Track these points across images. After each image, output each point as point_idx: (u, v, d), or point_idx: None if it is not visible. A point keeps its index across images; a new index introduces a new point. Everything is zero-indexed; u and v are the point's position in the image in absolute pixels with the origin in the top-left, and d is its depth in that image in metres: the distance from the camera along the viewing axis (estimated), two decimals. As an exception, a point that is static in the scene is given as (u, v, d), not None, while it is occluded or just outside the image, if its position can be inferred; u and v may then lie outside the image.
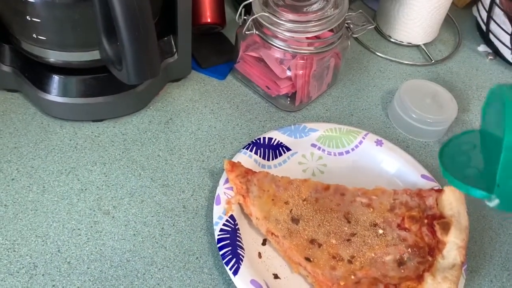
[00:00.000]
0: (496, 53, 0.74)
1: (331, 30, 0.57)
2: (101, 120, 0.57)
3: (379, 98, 0.65)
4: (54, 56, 0.52)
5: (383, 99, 0.65)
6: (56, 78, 0.54)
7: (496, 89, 0.40)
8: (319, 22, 0.55)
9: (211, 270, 0.46)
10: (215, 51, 0.66)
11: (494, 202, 0.38)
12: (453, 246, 0.47)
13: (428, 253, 0.47)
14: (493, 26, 0.73)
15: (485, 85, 0.70)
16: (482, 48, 0.76)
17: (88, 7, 0.46)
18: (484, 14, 0.74)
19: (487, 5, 0.73)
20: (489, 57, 0.74)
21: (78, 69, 0.54)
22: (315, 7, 0.56)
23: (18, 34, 0.51)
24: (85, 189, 0.51)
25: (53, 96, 0.54)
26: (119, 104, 0.56)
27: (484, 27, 0.75)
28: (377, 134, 0.59)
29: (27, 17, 0.47)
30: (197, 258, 0.47)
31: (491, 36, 0.74)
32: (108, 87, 0.55)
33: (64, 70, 0.54)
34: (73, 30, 0.49)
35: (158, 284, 0.45)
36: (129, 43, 0.44)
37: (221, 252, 0.45)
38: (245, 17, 0.58)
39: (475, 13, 0.78)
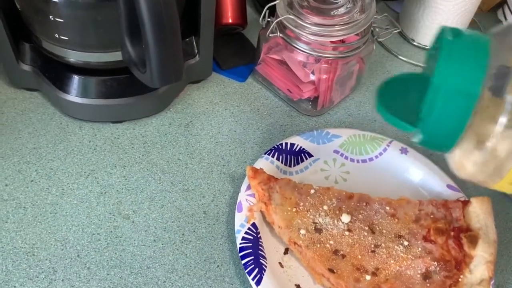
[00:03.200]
0: (522, 58, 0.72)
1: (357, 34, 0.56)
2: (121, 122, 0.56)
3: (402, 104, 0.64)
4: (75, 56, 0.51)
5: (406, 104, 0.64)
6: (76, 78, 0.53)
7: (440, 30, 0.38)
8: (345, 26, 0.54)
9: (232, 279, 0.46)
10: (236, 52, 0.65)
11: (417, 137, 0.38)
12: (481, 261, 0.46)
13: (454, 266, 0.46)
14: (520, 31, 0.71)
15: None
16: (508, 53, 0.74)
17: (112, 8, 0.45)
18: (510, 18, 0.72)
19: (514, 10, 0.71)
20: (515, 63, 0.72)
21: (99, 69, 0.53)
22: (341, 10, 0.55)
23: (40, 33, 0.50)
24: (105, 192, 0.50)
25: (73, 96, 0.53)
26: (140, 106, 0.55)
27: (510, 32, 0.73)
28: (400, 140, 0.58)
29: (50, 17, 0.47)
30: (218, 266, 0.46)
31: (517, 41, 0.72)
32: (128, 89, 0.54)
33: (85, 70, 0.53)
34: (96, 30, 0.48)
35: (179, 293, 0.44)
36: (154, 45, 0.43)
37: (243, 262, 0.44)
38: (268, 19, 0.57)
39: (501, 17, 0.76)
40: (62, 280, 0.44)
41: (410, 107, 0.40)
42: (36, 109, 0.56)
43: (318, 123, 0.60)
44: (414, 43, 0.72)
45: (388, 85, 0.42)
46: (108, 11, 0.46)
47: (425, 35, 0.71)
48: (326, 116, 0.61)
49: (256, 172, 0.50)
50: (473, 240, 0.47)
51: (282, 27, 0.56)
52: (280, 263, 0.47)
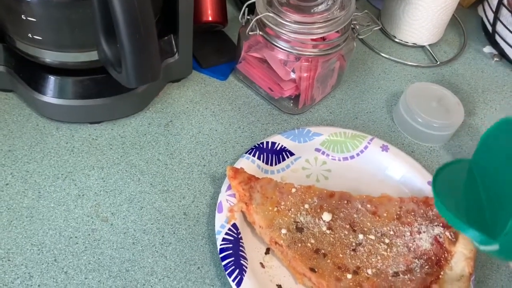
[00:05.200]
0: (502, 54, 0.73)
1: (337, 32, 0.56)
2: (99, 122, 0.55)
3: (383, 101, 0.64)
4: (50, 57, 0.50)
5: (388, 101, 0.64)
6: (52, 79, 0.52)
7: (509, 121, 0.37)
8: (325, 24, 0.53)
9: (213, 281, 0.45)
10: (216, 51, 0.64)
11: (492, 247, 0.35)
12: (461, 257, 0.46)
13: (435, 263, 0.46)
14: (499, 27, 0.71)
15: (490, 87, 0.68)
16: (488, 49, 0.74)
17: (86, 7, 0.44)
18: (490, 15, 0.73)
19: (493, 6, 0.71)
20: (495, 59, 0.73)
21: (75, 69, 0.52)
22: (321, 8, 0.54)
23: (12, 33, 0.49)
24: (83, 195, 0.49)
25: (49, 97, 0.52)
26: (118, 106, 0.54)
27: (490, 28, 0.73)
28: (381, 138, 0.58)
29: (22, 16, 0.45)
30: (198, 268, 0.46)
31: (497, 37, 0.73)
32: (106, 89, 0.53)
33: (61, 70, 0.52)
34: (70, 30, 0.47)
35: (159, 296, 0.43)
36: (129, 45, 0.42)
37: (223, 263, 0.44)
38: (248, 17, 0.56)
39: (481, 13, 0.77)
40: (39, 285, 0.43)
41: (473, 202, 0.36)
42: (11, 110, 0.55)
43: (299, 121, 0.60)
44: (396, 40, 0.72)
45: (442, 177, 0.39)
46: (82, 10, 0.45)
47: (406, 32, 0.71)
48: (308, 114, 0.61)
49: (237, 172, 0.49)
50: (453, 237, 0.47)
51: (261, 25, 0.55)
52: (261, 263, 0.47)
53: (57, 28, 0.47)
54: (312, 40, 0.55)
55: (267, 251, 0.48)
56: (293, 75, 0.56)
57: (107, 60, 0.47)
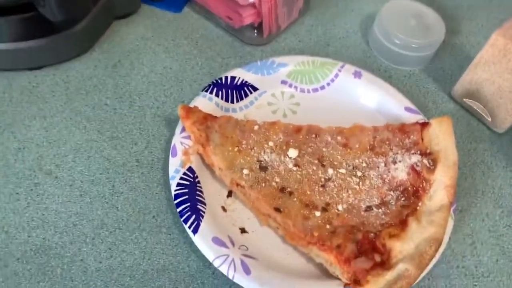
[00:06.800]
0: (490, -35, 0.65)
1: None
2: (39, 68, 0.50)
3: (358, 24, 0.58)
4: (-32, -6, 0.44)
5: (363, 24, 0.58)
6: (-23, 21, 0.46)
7: None
8: None
9: (170, 229, 0.41)
10: (169, -20, 0.58)
11: None
12: (440, 185, 0.42)
13: (413, 194, 0.42)
14: None
15: (476, 3, 0.62)
16: (475, -40, 0.67)
17: None
18: None
19: None
20: (482, -30, 0.65)
21: (4, 8, 0.46)
22: None
23: None
24: (23, 148, 0.45)
25: (-22, 43, 0.46)
26: (57, 48, 0.49)
27: None
28: (356, 64, 0.52)
29: None
30: (153, 217, 0.42)
31: None
32: (41, 28, 0.47)
33: (-14, 10, 0.46)
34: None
35: (110, 249, 0.40)
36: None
37: (178, 209, 0.40)
38: None
39: None
40: (-22, 247, 0.39)
41: None
42: None
43: (264, 52, 0.54)
44: (371, -44, 0.65)
45: None
46: None
47: None
48: (274, 44, 0.55)
49: (189, 111, 0.44)
50: (432, 164, 0.43)
51: None
52: (223, 207, 0.43)
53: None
54: (270, -44, 0.49)
55: (229, 194, 0.44)
56: (251, -1, 0.50)
57: (29, -8, 0.41)
